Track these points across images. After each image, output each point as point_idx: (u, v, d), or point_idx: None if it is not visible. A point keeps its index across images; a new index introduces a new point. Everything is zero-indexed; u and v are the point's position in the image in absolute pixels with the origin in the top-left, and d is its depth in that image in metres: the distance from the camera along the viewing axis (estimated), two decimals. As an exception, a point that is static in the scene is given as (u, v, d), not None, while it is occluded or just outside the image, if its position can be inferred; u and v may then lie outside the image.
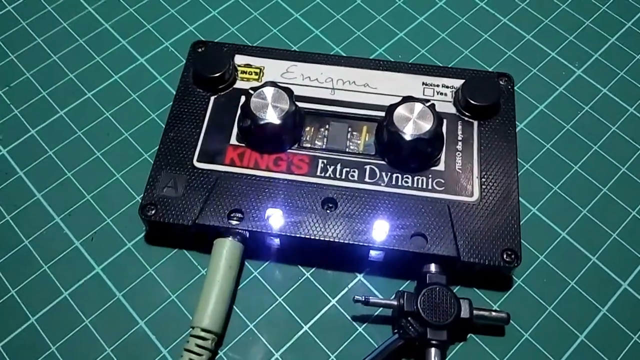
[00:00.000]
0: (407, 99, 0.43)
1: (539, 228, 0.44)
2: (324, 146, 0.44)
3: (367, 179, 0.42)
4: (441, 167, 0.43)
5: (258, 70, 0.47)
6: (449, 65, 0.51)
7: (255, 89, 0.43)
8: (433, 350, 0.37)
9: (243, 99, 0.44)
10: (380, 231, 0.40)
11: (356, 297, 0.38)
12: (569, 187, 0.46)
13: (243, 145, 0.43)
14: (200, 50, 0.48)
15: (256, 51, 0.48)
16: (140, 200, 0.41)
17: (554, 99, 0.50)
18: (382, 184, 0.42)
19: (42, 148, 0.47)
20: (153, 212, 0.41)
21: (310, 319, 0.40)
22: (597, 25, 0.55)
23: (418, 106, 0.42)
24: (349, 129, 0.45)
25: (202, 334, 0.37)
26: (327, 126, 0.45)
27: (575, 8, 0.56)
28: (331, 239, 0.40)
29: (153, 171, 0.42)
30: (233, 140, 0.44)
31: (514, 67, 0.52)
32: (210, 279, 0.39)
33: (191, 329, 0.38)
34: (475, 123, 0.45)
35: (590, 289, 0.42)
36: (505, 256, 0.39)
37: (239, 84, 0.46)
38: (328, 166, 0.43)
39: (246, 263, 0.42)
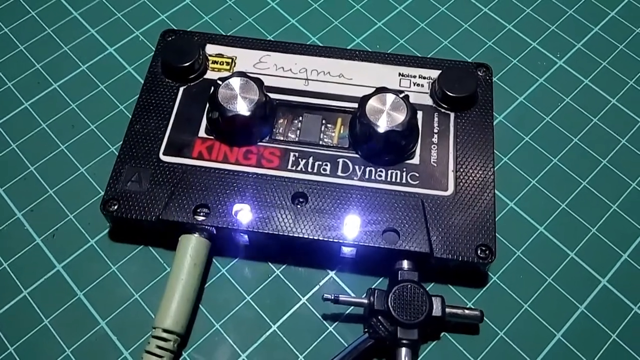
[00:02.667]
0: (380, 90, 0.42)
1: (516, 223, 0.43)
2: (296, 139, 0.43)
3: (339, 173, 0.41)
4: (416, 160, 0.42)
5: (230, 60, 0.46)
6: (428, 56, 0.50)
7: (223, 79, 0.42)
8: (403, 350, 0.35)
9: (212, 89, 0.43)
10: (351, 227, 0.39)
11: (325, 295, 0.37)
12: (547, 180, 0.44)
13: (212, 137, 0.42)
14: (170, 39, 0.47)
15: (228, 40, 0.47)
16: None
17: (534, 90, 0.49)
18: (355, 178, 0.41)
19: (5, 141, 0.46)
20: (115, 207, 0.39)
21: (279, 318, 0.39)
22: (580, 14, 0.53)
23: (391, 97, 0.41)
24: (323, 121, 0.44)
25: (164, 334, 0.36)
26: (300, 118, 0.43)
27: (558, -3, 0.55)
28: (301, 235, 0.39)
29: (116, 165, 0.41)
30: (202, 133, 0.42)
31: (494, 57, 0.51)
32: (174, 277, 0.38)
33: (153, 330, 0.36)
34: (452, 115, 0.44)
35: (568, 286, 0.40)
36: (479, 252, 0.38)
37: (209, 74, 0.45)
38: (300, 159, 0.42)
39: (213, 260, 0.41)
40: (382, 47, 0.51)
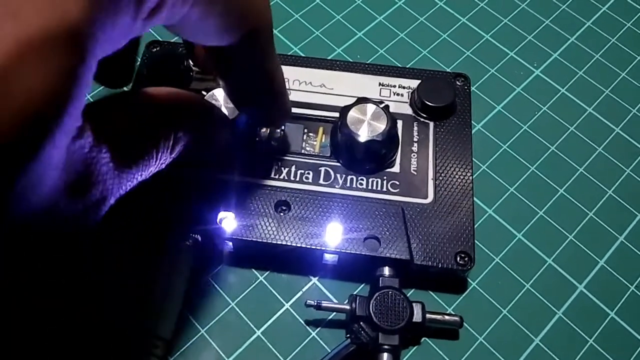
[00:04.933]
0: (360, 100, 0.42)
1: (494, 230, 0.44)
2: (279, 147, 0.43)
3: (321, 181, 0.42)
4: (396, 168, 0.42)
5: (214, 71, 0.47)
6: (408, 66, 0.51)
7: (208, 90, 0.42)
8: (385, 355, 0.36)
9: (196, 100, 0.44)
10: (334, 234, 0.39)
11: (308, 301, 0.38)
12: (525, 188, 0.45)
13: (196, 147, 0.43)
14: (154, 50, 0.48)
15: (212, 51, 0.48)
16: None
17: (512, 99, 0.50)
18: (337, 186, 0.42)
19: None
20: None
21: (263, 323, 0.40)
22: (557, 24, 0.54)
23: (371, 107, 0.42)
24: (305, 130, 0.44)
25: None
26: (282, 127, 0.44)
27: (535, 7, 0.55)
28: (284, 243, 0.39)
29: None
30: (186, 142, 0.43)
31: (473, 67, 0.51)
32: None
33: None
34: (431, 124, 0.44)
35: (546, 292, 0.41)
36: (458, 259, 0.39)
37: (195, 85, 0.46)
38: (282, 168, 0.42)
39: (198, 267, 0.41)
40: (363, 57, 0.52)
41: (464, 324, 0.39)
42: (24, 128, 0.18)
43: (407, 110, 0.45)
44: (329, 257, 0.40)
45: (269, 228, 0.40)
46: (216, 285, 0.41)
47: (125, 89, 0.42)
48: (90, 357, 0.38)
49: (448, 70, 0.51)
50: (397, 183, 0.42)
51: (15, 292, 0.36)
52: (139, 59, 0.47)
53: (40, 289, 0.39)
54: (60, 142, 0.20)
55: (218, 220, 0.39)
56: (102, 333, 0.38)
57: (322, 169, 0.42)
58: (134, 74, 0.34)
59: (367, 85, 0.46)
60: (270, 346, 0.39)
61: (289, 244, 0.39)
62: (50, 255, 0.26)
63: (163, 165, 0.30)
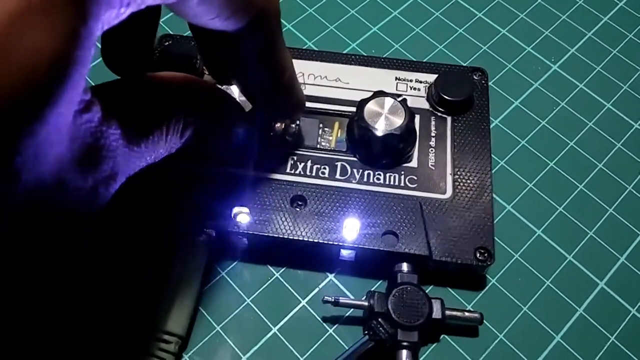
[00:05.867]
0: (378, 94, 0.42)
1: (513, 226, 0.43)
2: (294, 142, 0.43)
3: (338, 176, 0.41)
4: (414, 163, 0.42)
5: (227, 65, 0.46)
6: (423, 60, 0.50)
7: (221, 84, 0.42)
8: (404, 352, 0.36)
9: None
10: (351, 229, 0.39)
11: (326, 297, 0.37)
12: (544, 184, 0.45)
13: (211, 141, 0.42)
14: (167, 44, 0.47)
15: (225, 45, 0.47)
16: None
17: (530, 94, 0.49)
18: (354, 181, 0.41)
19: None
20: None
21: (279, 320, 0.39)
22: (574, 19, 0.54)
23: (389, 101, 0.41)
24: (320, 125, 0.44)
25: (165, 337, 0.36)
26: (297, 122, 0.43)
27: (551, 2, 0.55)
28: (300, 238, 0.39)
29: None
30: (200, 137, 0.42)
31: (489, 62, 0.51)
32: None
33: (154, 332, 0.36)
34: (449, 119, 0.44)
35: (566, 289, 0.41)
36: (478, 255, 0.38)
37: (206, 79, 0.45)
38: (298, 163, 0.42)
39: (213, 263, 0.41)
40: (378, 52, 0.51)
41: (484, 321, 0.38)
42: (24, 90, 0.17)
43: (424, 104, 0.44)
44: (345, 253, 0.40)
45: (285, 223, 0.39)
46: (231, 282, 0.40)
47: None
48: (91, 357, 0.37)
49: (464, 65, 0.50)
50: (415, 178, 0.41)
51: (15, 292, 0.36)
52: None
53: (40, 289, 0.38)
54: (65, 109, 0.20)
55: (233, 216, 0.39)
56: (103, 333, 0.38)
57: (339, 163, 0.42)
58: (150, 61, 0.34)
59: (384, 79, 0.46)
60: (287, 343, 0.38)
61: (305, 239, 0.39)
62: (50, 255, 0.25)
63: (173, 150, 0.30)
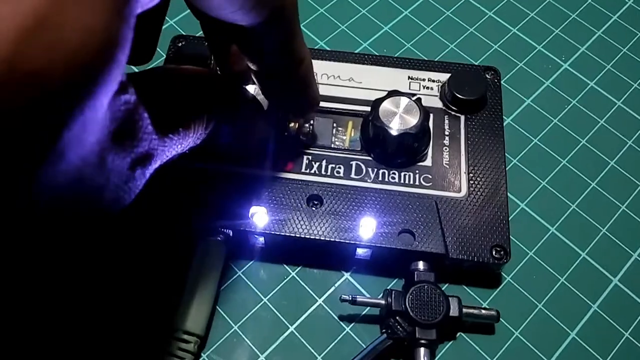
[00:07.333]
0: (392, 93, 0.42)
1: (527, 224, 0.43)
2: (308, 142, 0.43)
3: (353, 175, 0.41)
4: (428, 162, 0.42)
5: (241, 65, 0.46)
6: (435, 60, 0.50)
7: (235, 83, 0.42)
8: (422, 350, 0.36)
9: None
10: (367, 228, 0.39)
11: (343, 296, 0.38)
12: (557, 181, 0.45)
13: (226, 141, 0.42)
14: (180, 44, 0.47)
15: (238, 46, 0.47)
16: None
17: (541, 92, 0.49)
18: (369, 180, 0.41)
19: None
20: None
21: (296, 319, 0.39)
22: (584, 18, 0.54)
23: (404, 100, 0.41)
24: (334, 125, 0.44)
25: (185, 336, 0.36)
26: (311, 122, 0.44)
27: (561, 1, 0.55)
28: (317, 237, 0.39)
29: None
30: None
31: (500, 60, 0.51)
32: (193, 280, 0.38)
33: (173, 332, 0.37)
34: (462, 117, 0.44)
35: (580, 285, 0.41)
36: (494, 252, 0.39)
37: (220, 80, 0.45)
38: (313, 162, 0.42)
39: (230, 263, 0.41)
40: (389, 51, 0.51)
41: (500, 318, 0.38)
42: (78, 69, 0.17)
43: (438, 103, 0.45)
44: (361, 252, 0.40)
45: (301, 222, 0.39)
46: (248, 281, 0.41)
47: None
48: (91, 357, 0.37)
49: (476, 64, 0.50)
50: (430, 177, 0.41)
51: (15, 292, 0.36)
52: (164, 55, 0.47)
53: (40, 289, 0.39)
54: (112, 87, 0.20)
55: (250, 216, 0.39)
56: (103, 333, 0.38)
57: (354, 163, 0.42)
58: (155, 51, 0.34)
59: (397, 78, 0.46)
60: (304, 342, 0.39)
61: (321, 238, 0.39)
62: (61, 252, 0.26)
63: (198, 140, 0.31)
